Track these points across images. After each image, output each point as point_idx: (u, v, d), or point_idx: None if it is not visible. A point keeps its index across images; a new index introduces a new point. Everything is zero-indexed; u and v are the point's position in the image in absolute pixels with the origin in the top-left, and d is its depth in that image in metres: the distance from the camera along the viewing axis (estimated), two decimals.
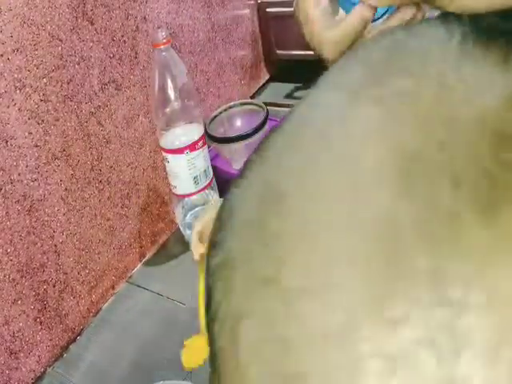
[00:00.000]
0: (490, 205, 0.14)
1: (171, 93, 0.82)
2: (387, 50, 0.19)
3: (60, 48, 0.75)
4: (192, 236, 0.72)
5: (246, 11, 1.21)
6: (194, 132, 0.86)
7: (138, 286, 0.90)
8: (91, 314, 0.86)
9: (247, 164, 0.20)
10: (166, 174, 0.89)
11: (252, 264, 0.17)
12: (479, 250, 0.13)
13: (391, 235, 0.14)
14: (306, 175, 0.17)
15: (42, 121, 0.74)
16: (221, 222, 0.20)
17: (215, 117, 0.98)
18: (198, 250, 0.71)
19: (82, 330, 0.84)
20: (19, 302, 0.74)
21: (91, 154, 0.82)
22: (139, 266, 0.94)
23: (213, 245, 0.20)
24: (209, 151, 0.91)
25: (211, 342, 0.19)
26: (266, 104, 0.98)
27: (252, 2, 1.23)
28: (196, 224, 0.72)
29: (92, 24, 0.80)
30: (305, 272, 0.16)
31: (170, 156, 0.86)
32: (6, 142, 0.69)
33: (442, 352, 0.13)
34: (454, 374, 0.13)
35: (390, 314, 0.14)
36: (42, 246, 0.76)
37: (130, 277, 0.92)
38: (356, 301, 0.14)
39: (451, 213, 0.14)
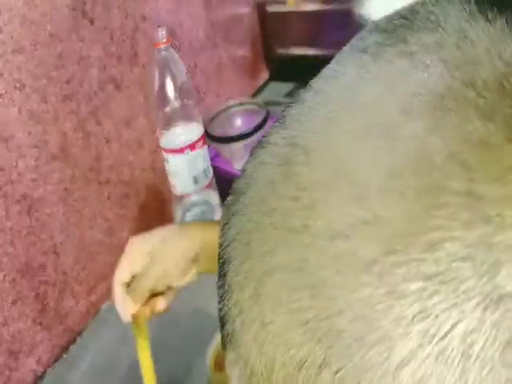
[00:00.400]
0: None
1: (171, 92, 0.82)
2: (404, 16, 0.19)
3: (60, 48, 0.75)
4: (115, 289, 0.55)
5: (246, 10, 1.21)
6: (194, 131, 0.86)
7: None
8: (91, 315, 0.86)
9: (261, 140, 0.20)
10: (166, 173, 0.89)
11: (276, 220, 0.17)
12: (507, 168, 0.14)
13: (425, 165, 0.15)
14: (334, 125, 0.18)
15: (42, 121, 0.74)
16: (237, 193, 0.20)
17: (215, 116, 0.98)
18: (127, 308, 0.56)
19: (81, 330, 0.84)
20: (19, 302, 0.74)
21: (90, 153, 0.82)
22: None
23: (228, 216, 0.20)
24: (209, 151, 0.90)
25: (223, 321, 0.19)
26: (266, 103, 0.98)
27: (251, 0, 1.22)
28: (119, 273, 0.55)
29: (91, 23, 0.80)
30: (337, 215, 0.16)
31: (169, 156, 0.85)
32: (6, 142, 0.69)
33: (481, 267, 0.13)
34: (492, 288, 0.13)
35: (428, 236, 0.14)
36: (41, 246, 0.76)
37: None
38: (392, 230, 0.15)
39: (483, 142, 0.14)
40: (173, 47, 0.82)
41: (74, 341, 0.83)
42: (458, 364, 0.13)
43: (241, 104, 1.01)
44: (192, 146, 0.85)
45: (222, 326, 0.20)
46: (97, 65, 0.81)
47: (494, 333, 0.13)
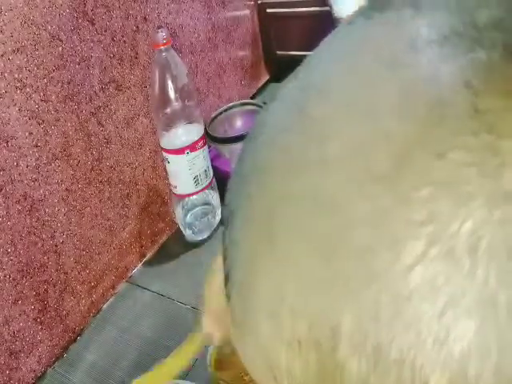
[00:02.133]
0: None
1: (171, 93, 0.82)
2: None
3: (60, 48, 0.75)
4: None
5: (246, 12, 1.22)
6: (194, 132, 0.86)
7: (138, 286, 0.90)
8: (91, 314, 0.86)
9: (274, 93, 0.21)
10: (166, 174, 0.89)
11: (288, 154, 0.18)
12: (509, 85, 0.15)
13: (432, 86, 0.16)
14: (343, 64, 0.19)
15: (43, 121, 0.74)
16: (249, 140, 0.21)
17: (215, 117, 0.98)
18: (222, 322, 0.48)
19: (82, 329, 0.84)
20: (19, 301, 0.74)
21: (91, 154, 0.82)
22: (139, 265, 0.94)
23: (241, 158, 0.21)
24: (209, 151, 0.91)
25: (226, 262, 0.20)
26: (267, 104, 0.98)
27: (252, 2, 1.23)
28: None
29: (92, 24, 0.80)
30: (348, 137, 0.16)
31: (170, 156, 0.86)
32: (7, 142, 0.69)
33: (486, 170, 0.14)
34: (497, 188, 0.14)
35: (436, 146, 0.15)
36: (42, 246, 0.76)
37: (130, 277, 0.92)
38: (402, 143, 0.15)
39: (487, 66, 0.15)
40: (173, 48, 0.83)
41: (74, 340, 0.83)
42: (466, 261, 0.14)
43: (241, 105, 1.01)
44: (192, 147, 0.85)
45: (227, 277, 0.20)
46: (98, 65, 0.82)
47: (498, 229, 0.14)
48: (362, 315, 0.15)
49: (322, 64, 0.20)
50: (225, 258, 0.20)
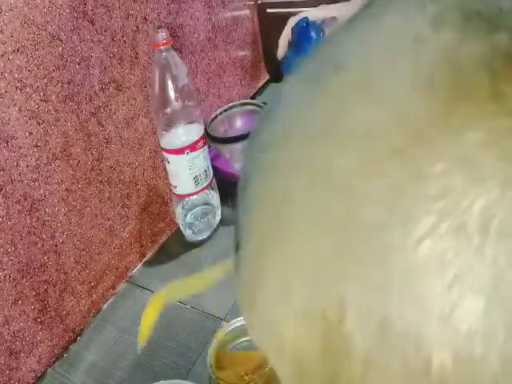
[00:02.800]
0: None
1: (172, 93, 0.82)
2: None
3: (60, 48, 0.75)
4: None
5: (246, 12, 1.22)
6: (195, 132, 0.86)
7: (138, 286, 0.90)
8: (92, 314, 0.86)
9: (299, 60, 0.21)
10: (167, 174, 0.89)
11: (303, 129, 0.18)
12: None
13: (452, 67, 0.16)
14: (364, 41, 0.19)
15: (43, 121, 0.74)
16: (269, 108, 0.21)
17: (215, 117, 0.98)
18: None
19: (82, 329, 0.84)
20: (19, 301, 0.74)
21: (91, 154, 0.82)
22: (139, 265, 0.94)
23: (257, 129, 0.21)
24: (209, 151, 0.91)
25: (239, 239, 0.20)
26: (266, 104, 0.98)
27: (252, 2, 1.23)
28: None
29: (92, 24, 0.80)
30: (364, 117, 0.16)
31: (170, 156, 0.86)
32: (7, 142, 0.70)
33: (504, 152, 0.14)
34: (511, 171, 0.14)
35: (454, 126, 0.15)
36: (42, 245, 0.76)
37: (130, 276, 0.92)
38: (419, 122, 0.15)
39: (509, 47, 0.15)
40: (174, 48, 0.83)
41: (74, 340, 0.83)
42: (476, 238, 0.14)
43: (241, 105, 1.01)
44: (192, 147, 0.85)
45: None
46: (98, 65, 0.82)
47: (510, 210, 0.14)
48: (369, 288, 0.15)
49: (340, 40, 0.20)
50: (236, 227, 0.20)
